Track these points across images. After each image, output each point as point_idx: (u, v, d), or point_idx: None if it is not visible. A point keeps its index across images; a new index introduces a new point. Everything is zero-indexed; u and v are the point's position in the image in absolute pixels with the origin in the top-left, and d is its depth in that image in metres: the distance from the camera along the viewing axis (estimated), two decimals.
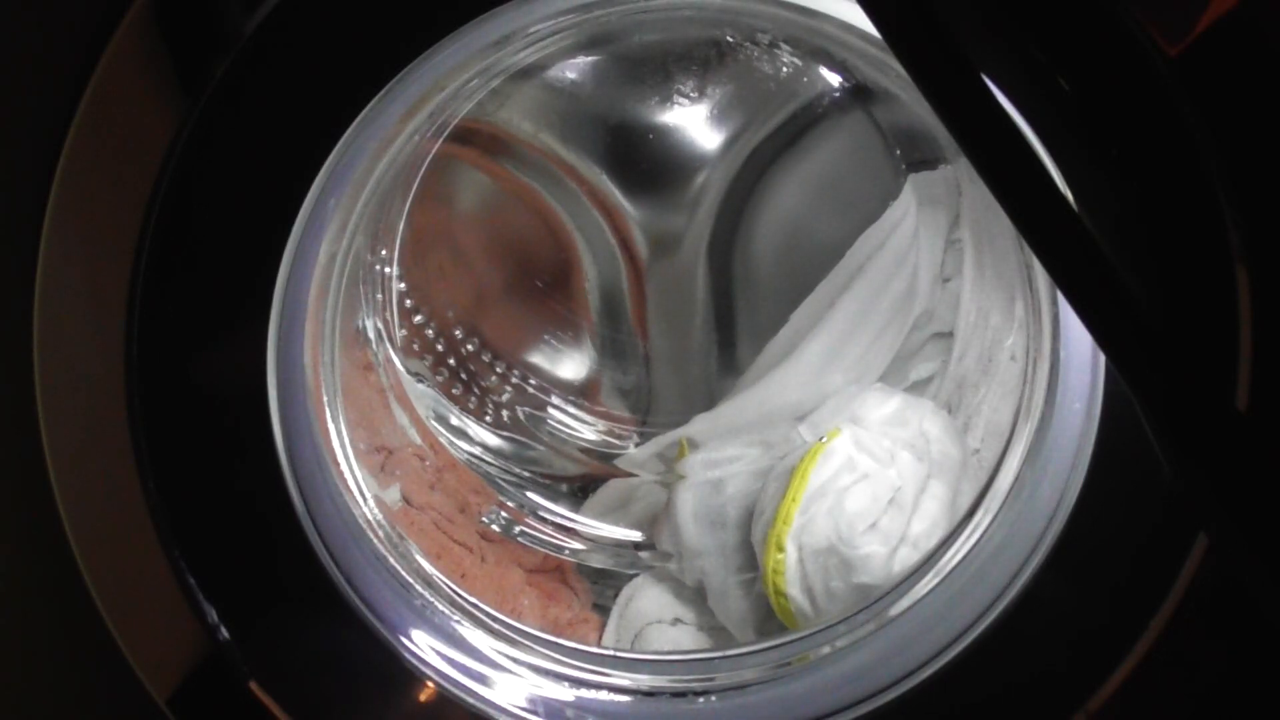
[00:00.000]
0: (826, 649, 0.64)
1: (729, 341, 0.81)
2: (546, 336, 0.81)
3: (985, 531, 0.62)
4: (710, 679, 0.65)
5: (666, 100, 0.76)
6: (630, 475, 0.82)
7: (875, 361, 0.76)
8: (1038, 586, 0.56)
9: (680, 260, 0.79)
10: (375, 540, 0.65)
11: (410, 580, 0.65)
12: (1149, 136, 0.49)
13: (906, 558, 0.66)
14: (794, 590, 0.69)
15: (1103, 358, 0.54)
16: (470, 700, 0.62)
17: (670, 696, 0.65)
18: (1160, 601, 0.53)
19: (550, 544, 0.80)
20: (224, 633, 0.60)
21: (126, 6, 0.54)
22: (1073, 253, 0.43)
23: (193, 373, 0.58)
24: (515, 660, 0.65)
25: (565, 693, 0.65)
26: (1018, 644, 0.57)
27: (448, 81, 0.63)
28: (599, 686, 0.65)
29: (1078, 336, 0.57)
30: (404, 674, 0.62)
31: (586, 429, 0.82)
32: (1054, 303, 0.60)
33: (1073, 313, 0.45)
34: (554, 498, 0.81)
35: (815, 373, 0.75)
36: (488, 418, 0.81)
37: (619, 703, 0.65)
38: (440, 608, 0.65)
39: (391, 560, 0.65)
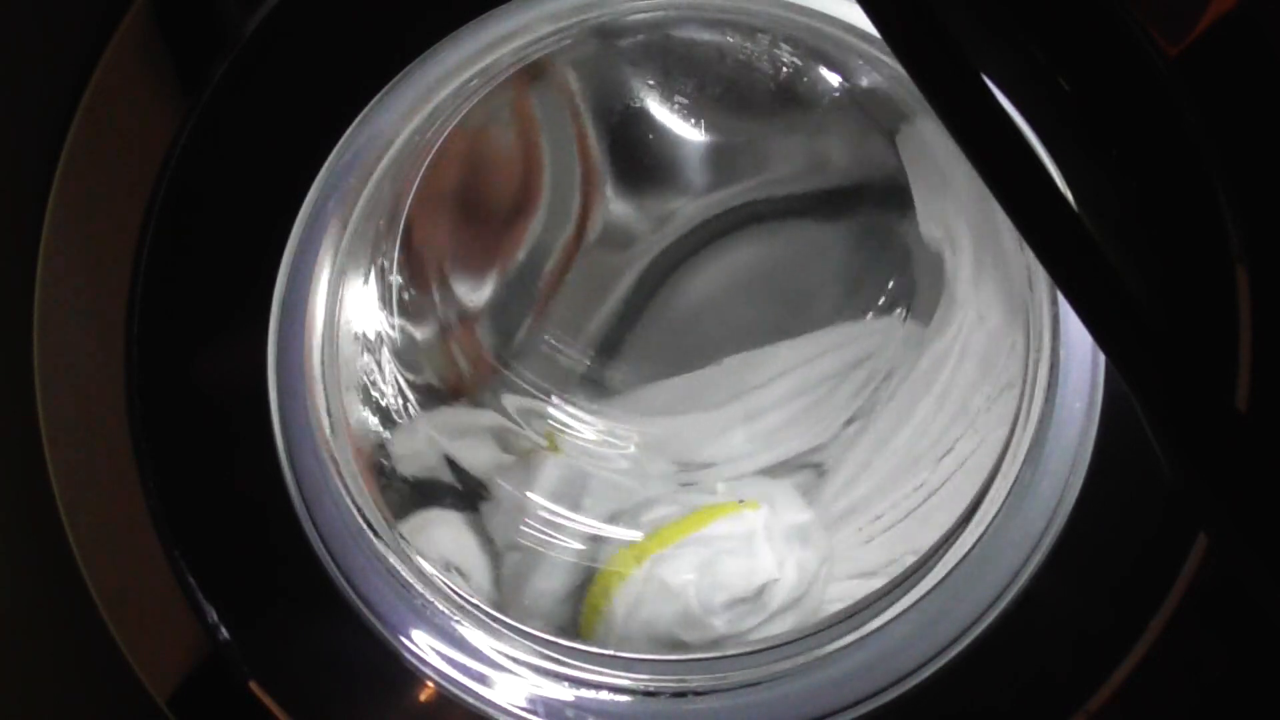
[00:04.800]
0: (826, 649, 0.64)
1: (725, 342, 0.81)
2: (546, 337, 0.81)
3: (985, 531, 0.62)
4: (711, 679, 0.65)
5: (666, 100, 0.76)
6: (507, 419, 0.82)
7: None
8: (1038, 586, 0.56)
9: (679, 260, 0.79)
10: (375, 540, 0.65)
11: (410, 580, 0.65)
12: (1149, 136, 0.49)
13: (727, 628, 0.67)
14: (619, 603, 0.68)
15: (1103, 358, 0.54)
16: (470, 700, 0.62)
17: (670, 696, 0.65)
18: (1160, 601, 0.53)
19: (551, 544, 0.80)
20: (224, 633, 0.60)
21: (126, 6, 0.54)
22: (1073, 253, 0.43)
23: (193, 373, 0.58)
24: (515, 660, 0.65)
25: (565, 693, 0.65)
26: (1018, 644, 0.57)
27: (448, 81, 0.63)
28: (599, 686, 0.65)
29: (1078, 336, 0.57)
30: (404, 674, 0.62)
31: (586, 428, 0.82)
32: (1054, 303, 0.60)
33: (1073, 313, 0.45)
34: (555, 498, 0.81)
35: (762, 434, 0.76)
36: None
37: (619, 703, 0.65)
38: (440, 608, 0.65)
39: (391, 560, 0.65)
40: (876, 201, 0.77)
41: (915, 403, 0.75)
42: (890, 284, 0.77)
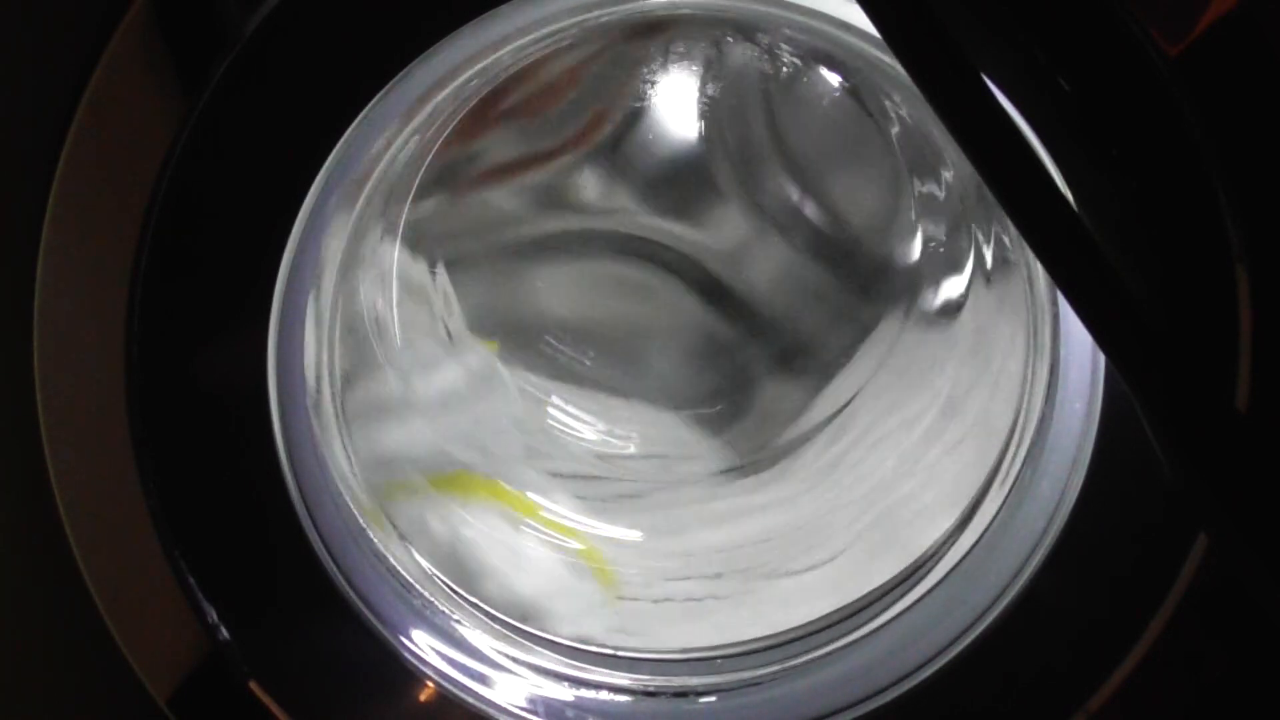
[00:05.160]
0: (827, 649, 0.64)
1: (724, 342, 0.81)
2: (546, 336, 0.82)
3: (985, 531, 0.62)
4: (711, 679, 0.65)
5: (666, 100, 0.76)
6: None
7: None
8: (1038, 586, 0.56)
9: (677, 260, 0.80)
10: (375, 540, 0.65)
11: (410, 580, 0.65)
12: (1149, 136, 0.49)
13: None
14: (472, 517, 0.70)
15: (1103, 358, 0.54)
16: (470, 700, 0.62)
17: (670, 696, 0.65)
18: (1160, 601, 0.53)
19: (551, 544, 0.80)
20: (224, 633, 0.60)
21: (126, 6, 0.54)
22: (1073, 253, 0.43)
23: (193, 373, 0.58)
24: (515, 660, 0.65)
25: (565, 693, 0.65)
26: (1018, 644, 0.57)
27: (448, 81, 0.63)
28: (599, 686, 0.65)
29: (1078, 336, 0.57)
30: (404, 674, 0.62)
31: (586, 428, 0.82)
32: (1054, 303, 0.60)
33: (1073, 313, 0.45)
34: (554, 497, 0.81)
35: None
36: None
37: (619, 703, 0.65)
38: (440, 607, 0.65)
39: (391, 560, 0.65)
40: (844, 105, 0.77)
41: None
42: (899, 165, 0.77)
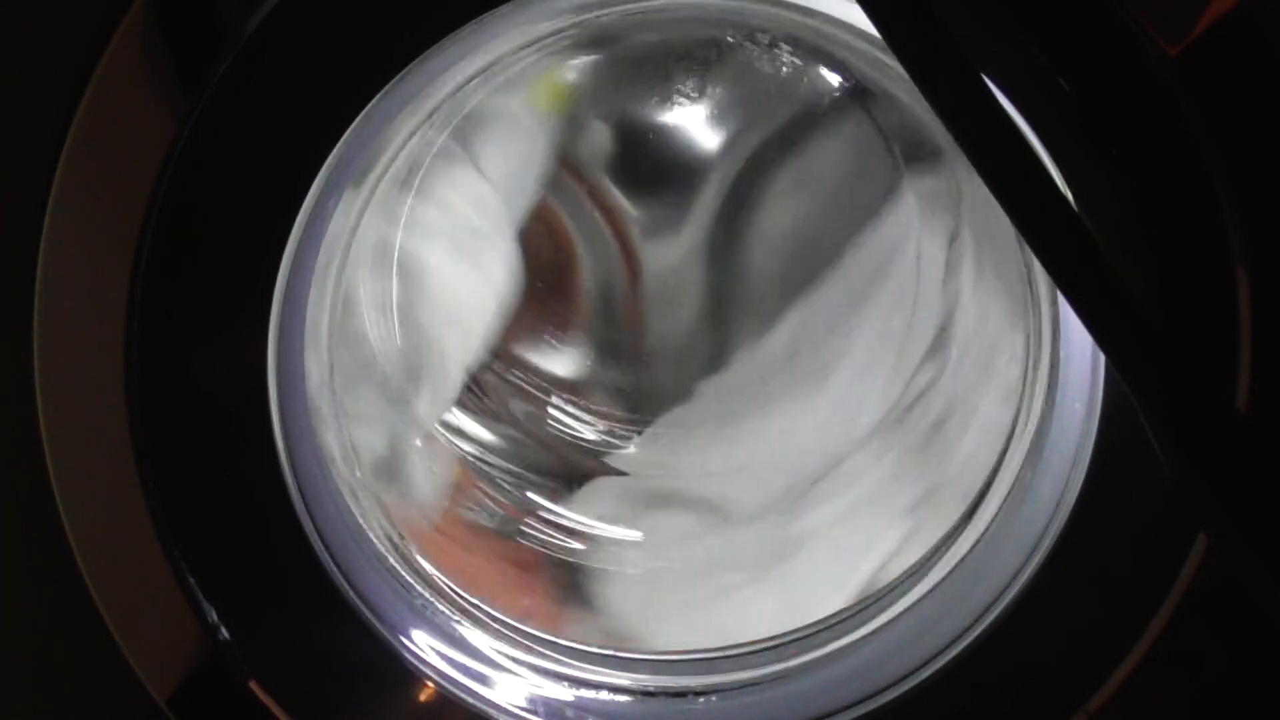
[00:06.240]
0: (827, 649, 0.64)
1: (724, 342, 0.81)
2: (546, 336, 0.82)
3: (985, 531, 0.62)
4: (710, 679, 0.66)
5: (666, 100, 0.76)
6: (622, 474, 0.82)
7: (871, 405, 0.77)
8: (1038, 586, 0.56)
9: (679, 260, 0.80)
10: (375, 540, 0.65)
11: (410, 580, 0.65)
12: (1149, 136, 0.49)
13: None
14: None
15: (1103, 358, 0.54)
16: (470, 700, 0.63)
17: (670, 696, 0.65)
18: (1160, 601, 0.53)
19: (551, 544, 0.80)
20: (224, 633, 0.60)
21: (126, 6, 0.54)
22: (1073, 253, 0.43)
23: (193, 372, 0.58)
24: (515, 660, 0.65)
25: (565, 693, 0.65)
26: (1018, 644, 0.57)
27: (448, 81, 0.63)
28: (599, 686, 0.65)
29: (1078, 336, 0.57)
30: (404, 674, 0.62)
31: (586, 429, 0.83)
32: (1054, 303, 0.60)
33: (1073, 313, 0.45)
34: (554, 497, 0.81)
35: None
36: (486, 415, 0.81)
37: (619, 703, 0.65)
38: (440, 607, 0.65)
39: (391, 560, 0.65)
40: (844, 105, 0.77)
41: None
42: (899, 164, 0.77)
